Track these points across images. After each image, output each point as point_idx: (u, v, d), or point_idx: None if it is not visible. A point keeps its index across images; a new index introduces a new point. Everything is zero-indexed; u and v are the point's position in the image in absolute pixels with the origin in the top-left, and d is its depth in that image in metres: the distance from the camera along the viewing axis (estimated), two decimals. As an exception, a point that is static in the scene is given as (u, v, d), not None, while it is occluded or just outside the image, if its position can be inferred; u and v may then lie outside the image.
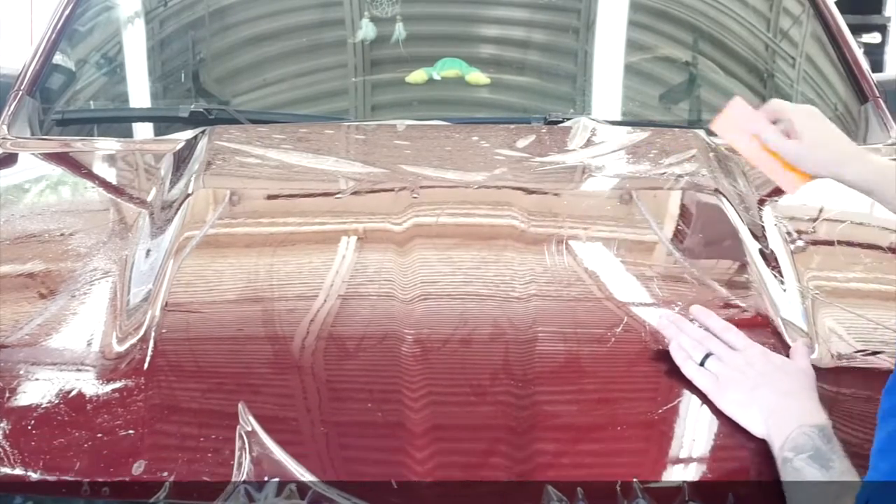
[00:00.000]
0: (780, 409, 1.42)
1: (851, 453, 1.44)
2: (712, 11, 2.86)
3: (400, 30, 2.68)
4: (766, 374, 1.47)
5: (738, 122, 1.81)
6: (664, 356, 1.56)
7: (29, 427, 1.44)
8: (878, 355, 1.60)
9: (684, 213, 2.06)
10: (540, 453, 1.40)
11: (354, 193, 2.13)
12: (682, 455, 1.42)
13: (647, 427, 1.45)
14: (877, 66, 6.00)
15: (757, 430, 1.43)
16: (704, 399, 1.48)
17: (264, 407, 1.45)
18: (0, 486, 1.39)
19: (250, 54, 2.66)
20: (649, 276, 1.80)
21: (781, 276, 1.78)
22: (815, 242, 2.01)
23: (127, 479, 1.38)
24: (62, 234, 1.96)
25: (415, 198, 1.74)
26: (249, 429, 1.41)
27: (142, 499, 1.37)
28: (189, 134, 2.35)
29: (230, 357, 1.58)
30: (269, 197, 2.12)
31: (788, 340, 1.59)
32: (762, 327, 1.61)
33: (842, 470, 1.36)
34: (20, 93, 2.60)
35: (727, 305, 1.67)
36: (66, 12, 2.74)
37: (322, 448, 1.42)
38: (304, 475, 1.37)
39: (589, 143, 2.37)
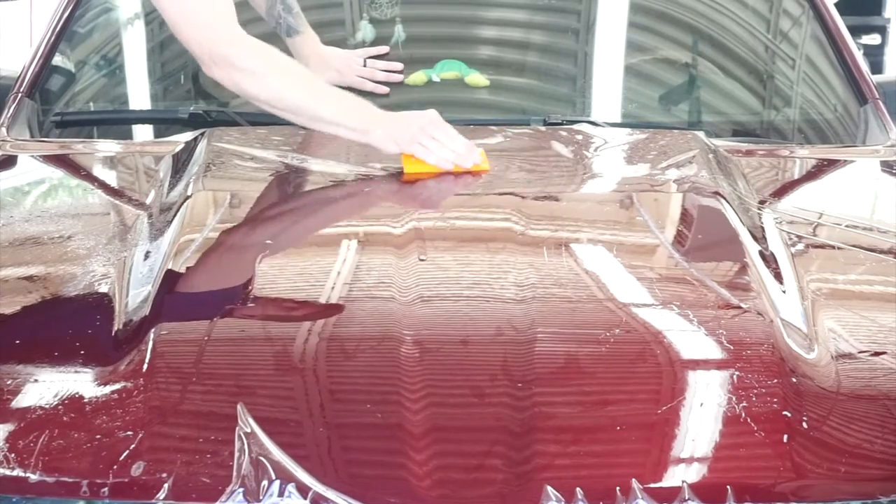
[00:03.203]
0: None
1: (850, 453, 1.44)
2: (712, 13, 2.86)
3: (399, 31, 2.68)
4: None
5: None
6: (664, 357, 1.56)
7: (28, 428, 1.44)
8: (880, 356, 1.61)
9: (684, 214, 2.07)
10: (539, 454, 1.40)
11: (354, 195, 2.14)
12: (682, 456, 1.42)
13: (646, 428, 1.45)
14: (876, 67, 6.00)
15: None
16: (704, 399, 1.48)
17: (263, 408, 1.45)
18: (-1, 488, 1.40)
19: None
20: (649, 277, 1.80)
21: (781, 277, 1.78)
22: (815, 244, 2.01)
23: (126, 480, 1.38)
24: (61, 237, 1.96)
25: (422, 259, 1.75)
26: (248, 430, 1.41)
27: (141, 500, 1.37)
28: (188, 136, 2.35)
29: (229, 359, 1.58)
30: (269, 199, 2.12)
31: (789, 342, 1.59)
32: (762, 329, 1.61)
33: None
34: (20, 95, 2.60)
35: (727, 306, 1.67)
36: (66, 14, 2.74)
37: (321, 449, 1.42)
38: (304, 476, 1.37)
39: (588, 144, 2.37)
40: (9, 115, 2.55)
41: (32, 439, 1.42)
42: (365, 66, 2.58)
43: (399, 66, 2.60)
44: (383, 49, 2.63)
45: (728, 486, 1.38)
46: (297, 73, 2.23)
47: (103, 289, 1.73)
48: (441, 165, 2.13)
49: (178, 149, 2.29)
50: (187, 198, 1.99)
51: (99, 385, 1.51)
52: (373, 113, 2.20)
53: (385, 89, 2.56)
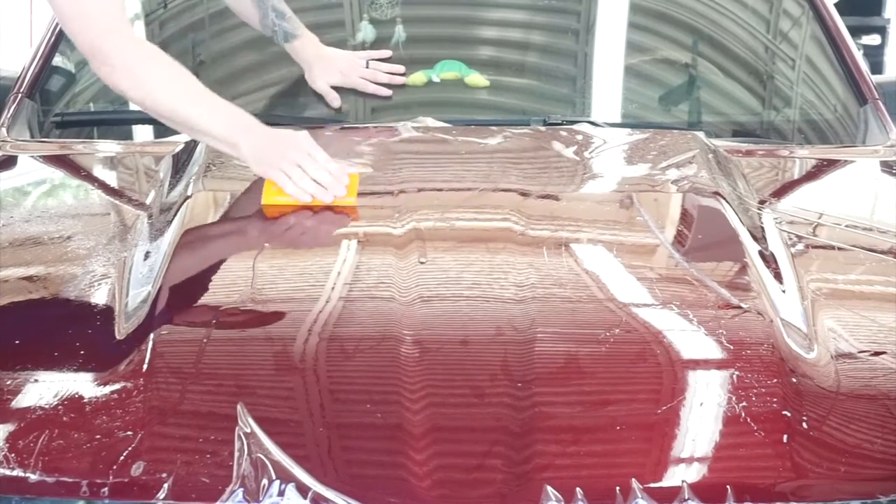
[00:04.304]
0: None
1: (850, 453, 1.44)
2: (712, 13, 2.86)
3: (400, 32, 2.68)
4: None
5: None
6: (664, 357, 1.56)
7: (28, 428, 1.44)
8: (880, 356, 1.61)
9: (684, 215, 2.06)
10: (539, 454, 1.40)
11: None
12: (682, 456, 1.42)
13: (646, 428, 1.45)
14: (876, 67, 6.00)
15: None
16: (704, 399, 1.48)
17: (263, 408, 1.45)
18: (-1, 488, 1.40)
19: (250, 56, 2.66)
20: (649, 277, 1.80)
21: (781, 277, 1.78)
22: (815, 244, 2.01)
23: (126, 480, 1.38)
24: (61, 237, 1.96)
25: (422, 262, 1.75)
26: (248, 430, 1.41)
27: (141, 500, 1.37)
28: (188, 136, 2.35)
29: (229, 359, 1.58)
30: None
31: (789, 342, 1.59)
32: (762, 328, 1.61)
33: None
34: (20, 95, 2.60)
35: (727, 306, 1.67)
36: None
37: (321, 449, 1.42)
38: (304, 476, 1.37)
39: (588, 145, 2.37)
40: (9, 115, 2.55)
41: (32, 439, 1.42)
42: (367, 67, 2.58)
43: (401, 68, 2.60)
44: (386, 53, 2.62)
45: (728, 486, 1.39)
46: (174, 77, 2.11)
47: (103, 289, 1.74)
48: (298, 197, 2.00)
49: (178, 149, 2.29)
50: (187, 198, 1.99)
51: (99, 385, 1.51)
52: (245, 127, 2.09)
53: (388, 92, 2.56)
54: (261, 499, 1.36)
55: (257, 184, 2.15)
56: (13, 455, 1.41)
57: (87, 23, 2.10)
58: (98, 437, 1.42)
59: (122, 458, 1.40)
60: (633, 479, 1.38)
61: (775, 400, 1.48)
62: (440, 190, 2.15)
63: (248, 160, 2.06)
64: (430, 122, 2.43)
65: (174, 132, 2.44)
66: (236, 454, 1.39)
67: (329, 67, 2.55)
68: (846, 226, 2.09)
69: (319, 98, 2.54)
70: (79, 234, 1.98)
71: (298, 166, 2.02)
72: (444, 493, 1.37)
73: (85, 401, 1.48)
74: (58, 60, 2.72)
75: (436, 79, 2.61)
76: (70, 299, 1.73)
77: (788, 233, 1.96)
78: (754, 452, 1.43)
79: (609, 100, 2.69)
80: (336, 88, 2.54)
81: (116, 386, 1.50)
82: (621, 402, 1.50)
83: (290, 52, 2.56)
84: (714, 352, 1.58)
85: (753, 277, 1.75)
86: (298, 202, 2.00)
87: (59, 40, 2.71)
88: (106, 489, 1.38)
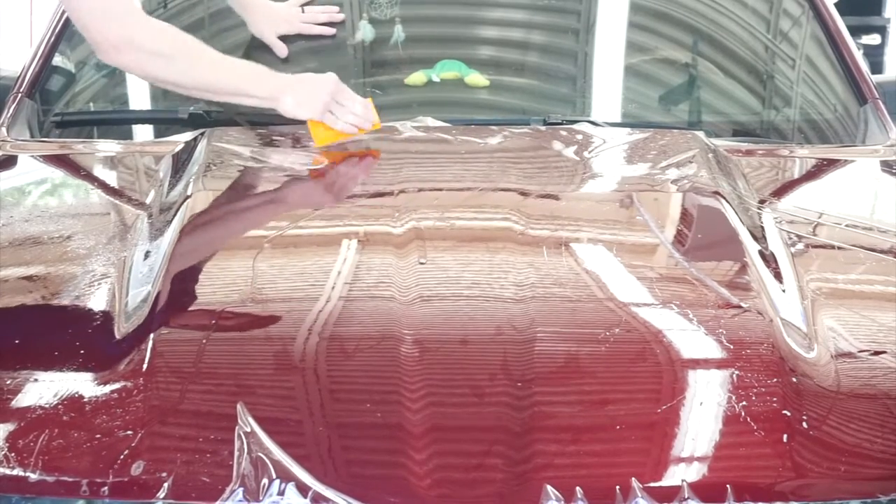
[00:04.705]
0: None
1: (850, 452, 1.44)
2: (712, 13, 2.86)
3: (399, 32, 2.68)
4: None
5: None
6: (664, 357, 1.56)
7: (28, 428, 1.44)
8: (880, 355, 1.61)
9: (684, 214, 2.07)
10: (539, 454, 1.40)
11: (353, 195, 2.14)
12: (682, 455, 1.42)
13: (646, 428, 1.45)
14: (876, 67, 6.01)
15: None
16: (704, 399, 1.48)
17: (263, 408, 1.45)
18: (-1, 487, 1.40)
19: (249, 56, 2.66)
20: (649, 277, 1.80)
21: (781, 277, 1.78)
22: (815, 244, 2.01)
23: (126, 479, 1.38)
24: (61, 237, 1.96)
25: (422, 263, 1.75)
26: (248, 429, 1.41)
27: (140, 499, 1.37)
28: (188, 136, 2.35)
29: (229, 358, 1.58)
30: (268, 199, 2.12)
31: (788, 341, 1.59)
32: (762, 328, 1.61)
33: None
34: (20, 95, 2.60)
35: (727, 306, 1.67)
36: (66, 14, 2.74)
37: (321, 449, 1.42)
38: (304, 476, 1.37)
39: (588, 144, 2.37)
40: (9, 115, 2.55)
41: (32, 439, 1.42)
42: (304, 13, 2.67)
43: (336, 9, 2.67)
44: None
45: (728, 486, 1.39)
46: (200, 50, 2.29)
47: (103, 289, 1.74)
48: (347, 131, 2.27)
49: (178, 149, 2.29)
50: (187, 198, 1.99)
51: (99, 385, 1.51)
52: (279, 80, 2.30)
53: (332, 31, 2.65)
54: (261, 498, 1.36)
55: (255, 184, 2.16)
56: (13, 455, 1.41)
57: (109, 19, 2.22)
58: (98, 436, 1.42)
59: (122, 457, 1.40)
60: (633, 479, 1.38)
61: (775, 400, 1.48)
62: (440, 190, 2.15)
63: (292, 109, 2.27)
64: (430, 121, 2.43)
65: (174, 132, 2.45)
66: (236, 454, 1.39)
67: (271, 16, 2.64)
68: (846, 225, 2.09)
69: None
70: (79, 233, 1.98)
71: (340, 105, 2.27)
72: (443, 493, 1.37)
73: (85, 401, 1.48)
74: (58, 60, 2.72)
75: (436, 78, 2.62)
76: (70, 299, 1.73)
77: (788, 232, 1.96)
78: (754, 452, 1.43)
79: (609, 99, 2.69)
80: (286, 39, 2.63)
81: (116, 386, 1.50)
82: (621, 402, 1.50)
83: (232, 5, 2.63)
84: (714, 352, 1.59)
85: (753, 277, 1.75)
86: (347, 134, 2.28)
87: (59, 40, 2.72)
88: (106, 489, 1.38)
